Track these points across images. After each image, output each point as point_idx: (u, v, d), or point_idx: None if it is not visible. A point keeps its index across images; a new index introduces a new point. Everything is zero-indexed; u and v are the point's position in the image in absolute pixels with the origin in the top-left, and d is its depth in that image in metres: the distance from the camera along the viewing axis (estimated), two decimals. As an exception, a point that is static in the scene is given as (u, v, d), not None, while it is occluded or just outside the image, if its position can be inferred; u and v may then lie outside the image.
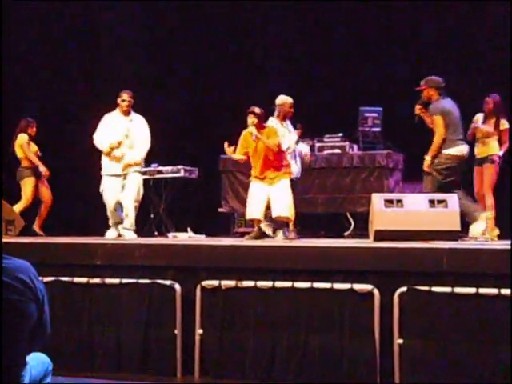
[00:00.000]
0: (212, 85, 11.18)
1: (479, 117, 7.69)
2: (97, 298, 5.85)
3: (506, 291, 4.91)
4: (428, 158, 7.21)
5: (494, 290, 4.94)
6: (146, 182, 9.49)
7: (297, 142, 7.69)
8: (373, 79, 10.08)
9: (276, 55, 11.12)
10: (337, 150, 9.14)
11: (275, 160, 7.32)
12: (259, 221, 7.28)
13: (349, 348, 5.26)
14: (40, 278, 3.01)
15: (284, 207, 7.20)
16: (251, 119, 7.27)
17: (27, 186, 8.68)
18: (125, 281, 5.76)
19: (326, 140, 9.26)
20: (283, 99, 7.71)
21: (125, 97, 7.83)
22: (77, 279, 5.87)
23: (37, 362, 3.16)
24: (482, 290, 4.97)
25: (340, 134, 9.29)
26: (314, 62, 10.81)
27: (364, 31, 10.57)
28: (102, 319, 5.83)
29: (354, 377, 5.22)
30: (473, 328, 5.01)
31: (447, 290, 5.05)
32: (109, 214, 7.87)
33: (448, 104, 7.32)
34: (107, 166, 7.84)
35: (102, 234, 7.86)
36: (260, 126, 7.29)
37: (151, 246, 6.15)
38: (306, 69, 10.81)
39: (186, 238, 8.39)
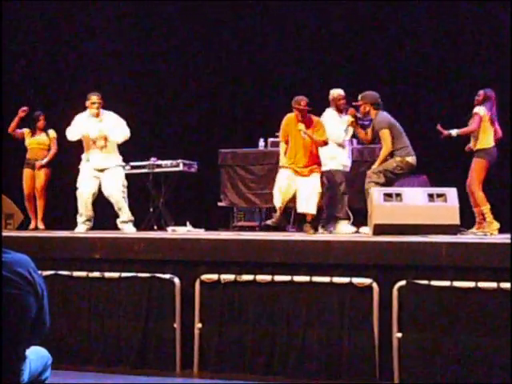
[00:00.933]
0: (211, 79, 11.16)
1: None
2: (96, 291, 5.85)
3: (505, 285, 4.92)
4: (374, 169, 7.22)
5: (494, 284, 4.95)
6: (145, 176, 9.51)
7: (356, 120, 7.75)
8: (372, 74, 10.06)
9: (274, 49, 11.08)
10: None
11: (316, 155, 7.46)
12: (281, 208, 7.37)
13: (348, 342, 5.26)
14: (39, 272, 3.01)
15: (312, 204, 7.28)
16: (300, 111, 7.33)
17: (23, 176, 8.75)
18: (124, 275, 5.77)
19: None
20: (335, 91, 7.96)
21: (94, 99, 7.77)
22: (76, 273, 5.87)
23: (36, 355, 3.16)
24: (482, 284, 4.98)
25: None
26: (312, 55, 10.79)
27: (364, 25, 10.55)
28: (102, 313, 5.83)
29: (352, 370, 5.23)
30: (472, 322, 5.02)
31: (446, 283, 5.06)
32: (81, 208, 7.79)
33: (388, 116, 7.38)
34: (85, 160, 7.83)
35: (102, 228, 7.85)
36: (307, 117, 7.37)
37: (150, 239, 6.14)
38: (305, 63, 10.78)
39: (185, 231, 8.38)
